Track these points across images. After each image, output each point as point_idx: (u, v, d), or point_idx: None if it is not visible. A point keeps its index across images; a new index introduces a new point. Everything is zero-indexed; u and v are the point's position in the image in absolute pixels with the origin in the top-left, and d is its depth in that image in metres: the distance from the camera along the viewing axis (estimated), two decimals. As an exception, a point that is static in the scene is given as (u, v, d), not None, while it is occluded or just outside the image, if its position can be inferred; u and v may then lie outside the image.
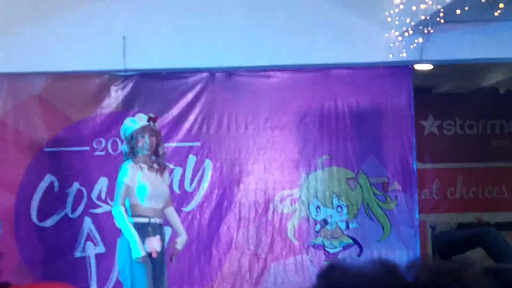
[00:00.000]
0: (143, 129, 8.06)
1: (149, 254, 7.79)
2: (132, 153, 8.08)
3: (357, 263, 1.02)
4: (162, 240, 7.95)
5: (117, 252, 9.23)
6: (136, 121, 8.21)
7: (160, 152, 8.21)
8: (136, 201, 8.01)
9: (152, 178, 8.03)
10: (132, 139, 8.08)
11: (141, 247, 7.72)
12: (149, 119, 8.25)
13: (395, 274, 0.98)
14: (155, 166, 8.12)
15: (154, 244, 7.78)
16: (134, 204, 8.00)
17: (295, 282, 10.07)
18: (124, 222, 7.92)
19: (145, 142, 8.01)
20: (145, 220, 7.96)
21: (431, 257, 11.71)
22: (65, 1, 9.53)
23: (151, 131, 8.13)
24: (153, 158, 8.19)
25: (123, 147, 8.31)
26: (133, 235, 7.75)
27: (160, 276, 8.02)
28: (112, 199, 9.44)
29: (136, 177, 8.00)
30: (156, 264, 7.90)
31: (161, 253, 7.91)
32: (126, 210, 8.04)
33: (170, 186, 9.72)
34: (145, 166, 8.03)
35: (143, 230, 7.87)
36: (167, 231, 8.87)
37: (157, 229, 7.96)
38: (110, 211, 9.58)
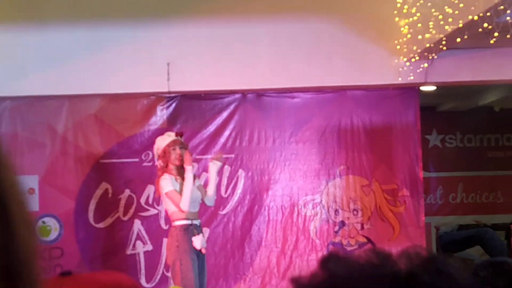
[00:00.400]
0: (173, 142, 7.99)
1: (199, 251, 7.80)
2: (167, 167, 8.01)
3: (354, 253, 0.99)
4: (202, 238, 7.98)
5: (164, 250, 9.36)
6: (166, 138, 8.18)
7: (192, 167, 8.23)
8: (176, 207, 7.93)
9: (188, 188, 7.96)
10: (165, 154, 8.03)
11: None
12: (177, 134, 8.26)
13: (387, 260, 0.96)
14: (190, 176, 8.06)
15: (201, 242, 7.78)
16: (177, 211, 7.92)
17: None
18: (186, 191, 7.86)
19: (176, 153, 7.93)
20: (188, 222, 7.87)
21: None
22: (117, 32, 9.50)
23: (181, 143, 8.08)
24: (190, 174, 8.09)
25: (158, 163, 8.26)
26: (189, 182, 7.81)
27: (202, 270, 7.92)
28: (158, 204, 9.76)
29: (176, 187, 7.97)
30: (199, 260, 7.83)
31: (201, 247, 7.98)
32: (169, 217, 8.19)
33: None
34: (179, 178, 7.95)
35: (188, 231, 7.84)
36: (205, 232, 8.91)
37: (199, 229, 7.92)
38: (156, 214, 10.00)
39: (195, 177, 8.31)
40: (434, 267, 0.92)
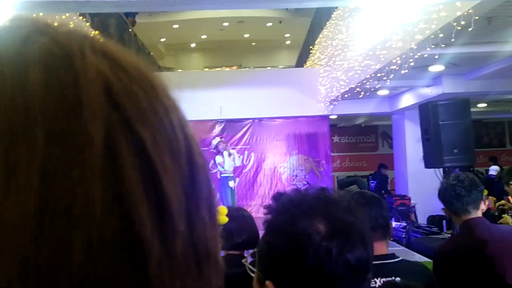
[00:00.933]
0: (218, 143, 8.20)
1: (231, 188, 7.96)
2: (218, 153, 8.16)
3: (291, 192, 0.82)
4: (234, 182, 8.10)
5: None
6: (216, 141, 8.36)
7: (228, 148, 8.32)
8: (223, 168, 8.08)
9: (229, 160, 8.12)
10: (216, 147, 8.20)
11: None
12: (220, 138, 8.51)
13: (302, 192, 0.78)
14: (231, 155, 8.19)
15: (232, 184, 8.00)
16: (223, 170, 8.09)
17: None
18: (226, 161, 8.09)
19: (221, 146, 8.14)
20: (227, 174, 8.03)
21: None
22: (195, 92, 9.23)
23: (223, 143, 8.24)
24: (227, 154, 8.16)
25: (214, 150, 8.26)
26: (227, 158, 8.02)
27: (233, 196, 8.07)
28: (214, 167, 9.42)
29: (221, 159, 8.08)
30: (232, 192, 8.03)
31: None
32: (220, 172, 8.13)
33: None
34: (223, 156, 8.11)
35: (227, 179, 8.01)
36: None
37: (232, 178, 8.06)
38: (216, 172, 9.17)
39: (230, 154, 8.24)
40: (340, 194, 0.81)
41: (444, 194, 2.18)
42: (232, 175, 8.15)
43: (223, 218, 1.48)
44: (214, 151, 8.24)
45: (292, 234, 0.75)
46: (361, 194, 1.81)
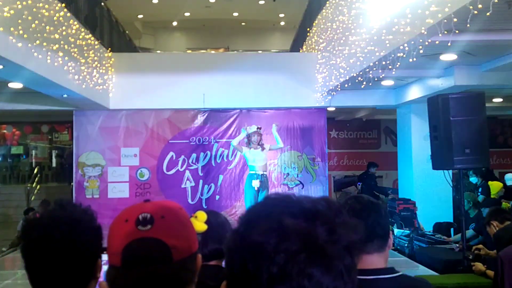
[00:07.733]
0: (253, 133, 8.22)
1: (254, 187, 7.93)
2: (249, 143, 8.23)
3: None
4: (261, 181, 7.99)
5: (201, 186, 9.78)
6: (250, 129, 8.34)
7: (261, 142, 8.27)
8: (250, 163, 8.16)
9: (257, 153, 8.14)
10: (248, 137, 8.25)
11: None
12: (257, 128, 8.37)
13: (288, 197, 0.78)
14: (259, 147, 8.20)
15: (256, 183, 7.93)
16: (250, 165, 8.18)
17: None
18: (249, 157, 8.15)
19: (254, 137, 8.18)
20: (253, 172, 8.08)
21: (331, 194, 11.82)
22: (179, 78, 9.66)
23: (257, 133, 8.24)
24: (257, 145, 8.20)
25: (245, 141, 8.31)
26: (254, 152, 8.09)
27: (258, 196, 7.96)
28: (198, 162, 10.01)
29: (249, 152, 8.16)
30: (257, 191, 7.99)
31: (260, 187, 7.98)
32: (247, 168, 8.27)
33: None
34: (253, 147, 8.16)
35: (252, 176, 8.05)
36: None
37: (259, 176, 8.00)
38: (196, 168, 10.02)
39: (263, 148, 8.24)
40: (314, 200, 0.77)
41: None
42: (260, 173, 8.13)
43: (200, 225, 1.36)
44: (245, 141, 8.32)
45: (234, 232, 0.79)
46: (356, 199, 1.73)
